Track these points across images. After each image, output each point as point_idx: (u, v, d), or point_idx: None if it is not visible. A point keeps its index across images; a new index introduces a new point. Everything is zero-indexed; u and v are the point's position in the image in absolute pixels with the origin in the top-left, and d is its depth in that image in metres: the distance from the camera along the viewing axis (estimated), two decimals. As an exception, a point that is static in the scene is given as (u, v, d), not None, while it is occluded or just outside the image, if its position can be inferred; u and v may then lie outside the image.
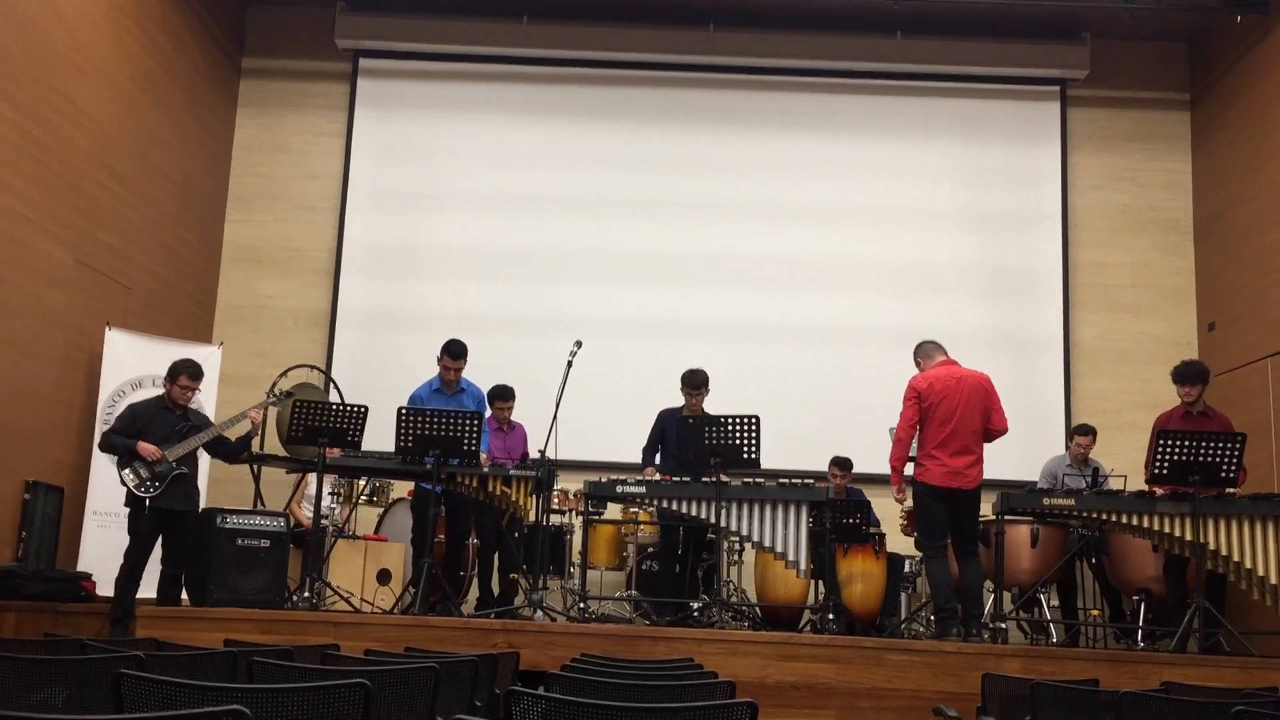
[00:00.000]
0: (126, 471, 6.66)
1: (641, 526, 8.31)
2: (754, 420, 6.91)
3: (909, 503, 7.99)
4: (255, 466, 8.02)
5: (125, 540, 6.77)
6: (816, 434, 9.53)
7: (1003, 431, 6.83)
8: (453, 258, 10.27)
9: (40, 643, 4.84)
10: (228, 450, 7.15)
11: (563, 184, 10.38)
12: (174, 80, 9.48)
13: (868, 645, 6.25)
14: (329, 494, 8.06)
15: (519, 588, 7.78)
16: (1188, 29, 10.43)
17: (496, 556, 8.12)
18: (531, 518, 7.29)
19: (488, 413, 7.95)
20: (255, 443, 7.29)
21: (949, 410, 6.69)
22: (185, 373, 6.91)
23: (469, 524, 7.90)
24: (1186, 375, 7.20)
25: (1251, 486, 7.20)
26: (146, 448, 6.67)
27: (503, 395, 8.15)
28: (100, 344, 8.29)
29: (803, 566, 6.85)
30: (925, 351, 7.02)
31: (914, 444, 6.88)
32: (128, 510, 6.79)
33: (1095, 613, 8.06)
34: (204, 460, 8.24)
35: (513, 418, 8.30)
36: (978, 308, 10.15)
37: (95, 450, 7.76)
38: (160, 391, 7.10)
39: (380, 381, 9.50)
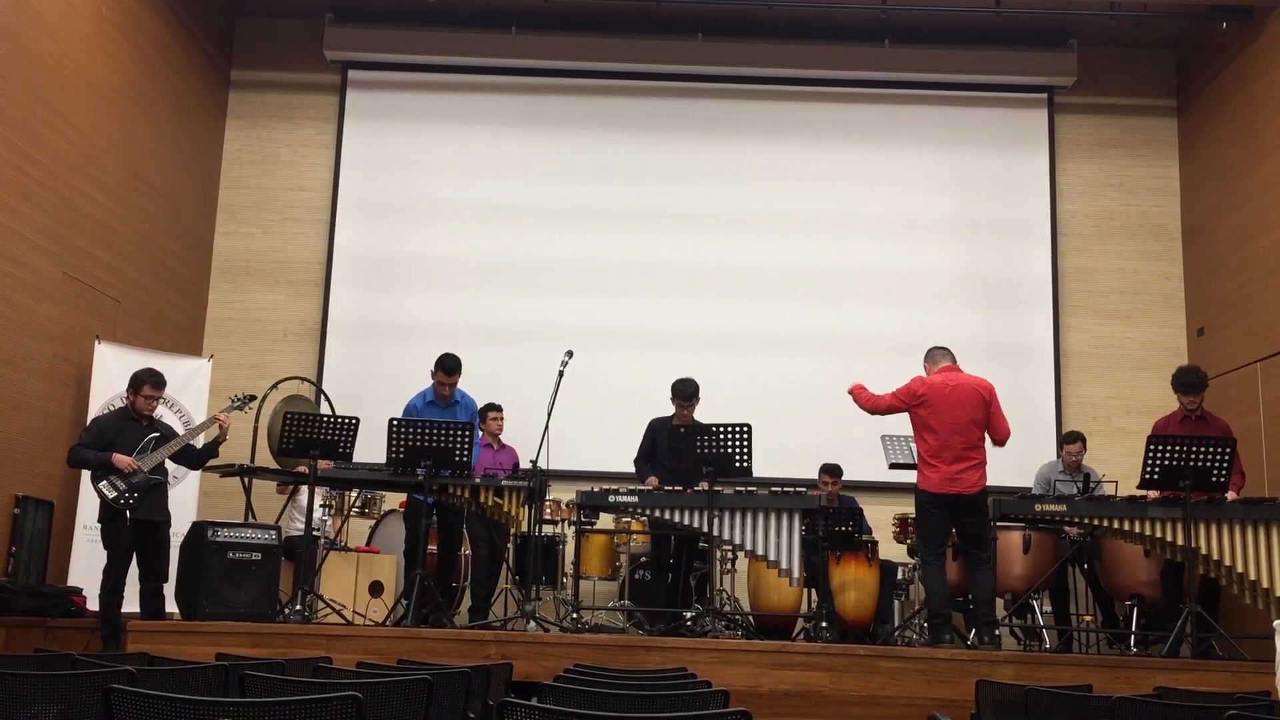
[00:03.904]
0: (103, 485, 6.61)
1: (634, 536, 8.30)
2: (746, 429, 6.91)
3: (900, 511, 8.00)
4: (246, 479, 7.99)
5: (114, 555, 6.74)
6: (807, 443, 9.54)
7: (1004, 438, 6.84)
8: (443, 268, 10.27)
9: (31, 658, 4.81)
10: (196, 457, 7.10)
11: (553, 194, 10.39)
12: (162, 92, 9.47)
13: (861, 653, 6.25)
14: (320, 506, 8.04)
15: (512, 599, 7.77)
16: (1174, 36, 10.48)
17: (489, 565, 8.11)
18: (524, 528, 7.28)
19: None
20: (227, 451, 7.25)
21: (939, 418, 6.69)
22: (148, 382, 6.86)
23: (461, 535, 7.89)
24: (1191, 384, 7.20)
25: (1242, 491, 7.21)
26: (122, 459, 6.62)
27: (493, 407, 8.28)
28: (89, 357, 8.26)
29: (795, 575, 6.85)
30: (932, 357, 7.05)
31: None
32: (100, 525, 6.75)
33: (1088, 618, 8.07)
34: (194, 473, 8.25)
35: (502, 434, 8.36)
36: (967, 315, 10.17)
37: (84, 464, 7.73)
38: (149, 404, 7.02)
39: (371, 392, 9.48)
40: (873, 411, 6.95)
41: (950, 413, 6.69)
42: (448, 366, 7.59)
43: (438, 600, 7.04)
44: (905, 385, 6.88)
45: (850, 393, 6.98)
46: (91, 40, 8.40)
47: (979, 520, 6.79)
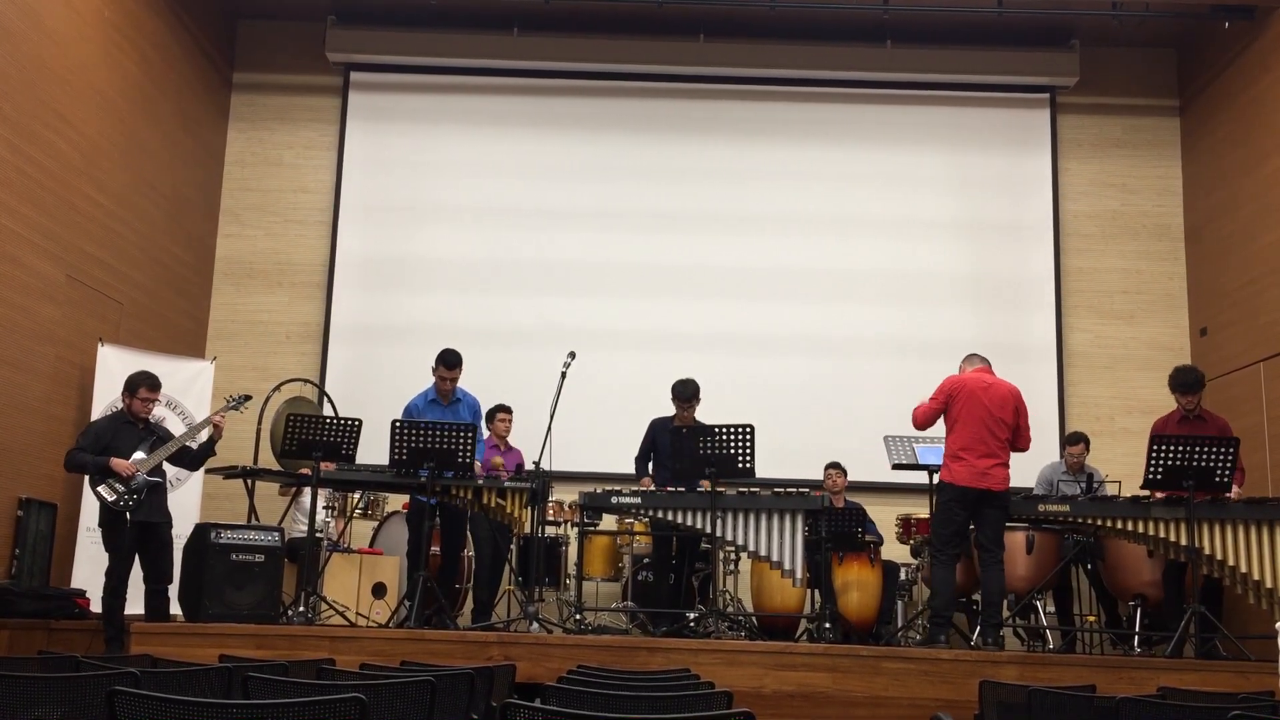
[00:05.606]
0: (103, 488, 6.61)
1: (637, 537, 8.30)
2: (748, 430, 6.90)
3: (903, 511, 7.97)
4: (249, 481, 7.99)
5: (116, 557, 6.73)
6: (808, 443, 9.55)
7: (1027, 447, 6.83)
8: (445, 270, 10.27)
9: (34, 660, 4.82)
10: (193, 458, 7.10)
11: (554, 195, 10.39)
12: (164, 95, 9.47)
13: (864, 654, 6.24)
14: (323, 508, 8.04)
15: (515, 600, 7.77)
16: (1176, 35, 10.48)
17: (492, 566, 8.11)
18: (527, 530, 7.28)
19: (483, 428, 7.95)
20: (230, 453, 7.24)
21: (971, 412, 6.66)
22: (144, 384, 6.86)
23: (464, 537, 7.89)
24: (1188, 385, 7.19)
25: (1245, 491, 7.20)
26: (120, 464, 6.62)
27: (502, 408, 8.30)
28: (92, 359, 8.27)
29: (798, 575, 6.84)
30: (969, 359, 7.04)
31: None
32: (101, 528, 6.75)
33: (1091, 619, 8.06)
34: (197, 475, 8.26)
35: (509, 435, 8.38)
36: (970, 316, 10.17)
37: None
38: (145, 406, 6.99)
39: (373, 394, 9.47)
40: (919, 422, 6.86)
41: (982, 408, 6.66)
42: (448, 361, 7.61)
43: (441, 602, 7.04)
44: (937, 391, 6.84)
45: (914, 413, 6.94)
46: (93, 42, 8.41)
47: (1002, 516, 6.76)
